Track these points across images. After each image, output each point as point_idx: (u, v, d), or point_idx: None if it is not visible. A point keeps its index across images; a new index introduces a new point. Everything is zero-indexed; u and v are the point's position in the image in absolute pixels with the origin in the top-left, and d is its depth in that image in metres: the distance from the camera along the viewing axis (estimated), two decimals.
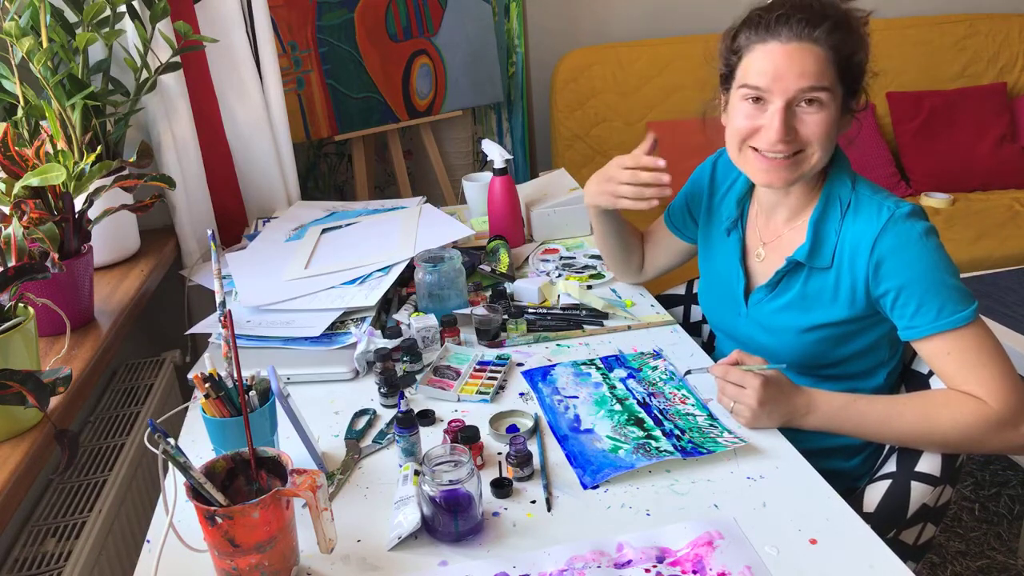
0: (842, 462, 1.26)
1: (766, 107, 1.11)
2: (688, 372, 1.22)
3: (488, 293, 1.53)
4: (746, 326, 1.27)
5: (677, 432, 1.09)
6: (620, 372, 1.25)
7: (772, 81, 1.09)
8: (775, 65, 1.09)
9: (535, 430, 1.11)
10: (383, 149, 2.73)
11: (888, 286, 1.10)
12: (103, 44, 1.59)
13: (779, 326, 1.22)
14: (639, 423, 1.12)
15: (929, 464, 1.11)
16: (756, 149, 1.13)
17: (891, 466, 1.13)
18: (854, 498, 1.11)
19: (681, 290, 1.61)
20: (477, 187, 1.89)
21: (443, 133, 2.70)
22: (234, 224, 1.93)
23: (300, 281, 1.48)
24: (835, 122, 1.11)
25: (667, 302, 1.57)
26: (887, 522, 1.10)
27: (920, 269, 1.08)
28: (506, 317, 1.39)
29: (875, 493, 1.11)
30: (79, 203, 1.34)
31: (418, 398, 1.23)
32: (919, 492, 1.10)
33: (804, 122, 1.10)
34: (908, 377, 1.26)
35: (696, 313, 1.60)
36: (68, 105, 1.44)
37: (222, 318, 0.98)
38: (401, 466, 1.06)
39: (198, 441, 1.13)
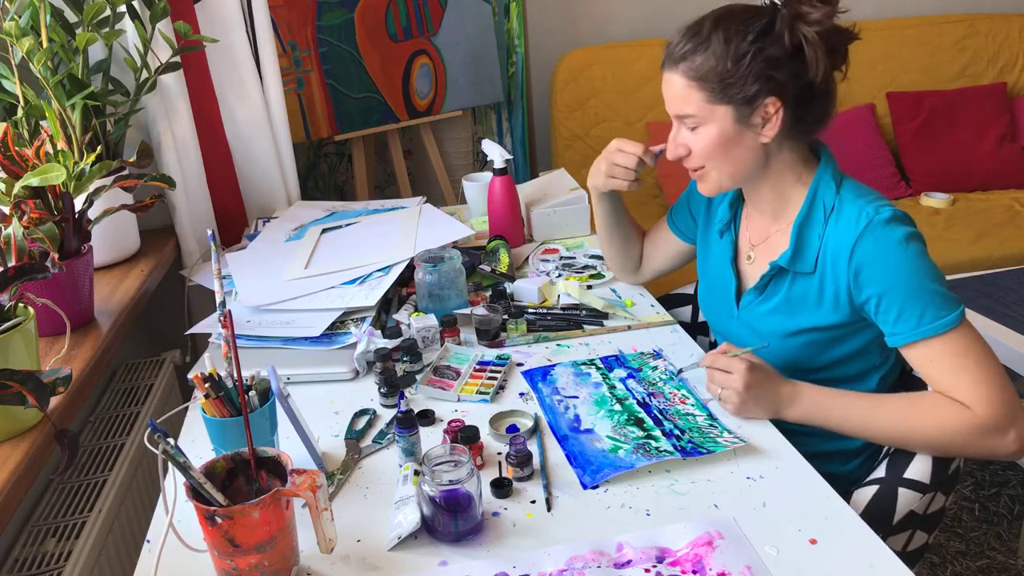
0: (839, 466, 1.25)
1: None
2: (680, 371, 1.23)
3: (488, 293, 1.53)
4: (738, 328, 1.28)
5: (677, 432, 1.09)
6: (620, 372, 1.25)
7: (665, 106, 1.18)
8: (663, 92, 1.18)
9: (535, 430, 1.11)
10: (383, 149, 2.74)
11: (869, 293, 1.10)
12: (103, 44, 1.59)
13: (767, 329, 1.22)
14: (639, 423, 1.12)
15: (918, 470, 1.10)
16: None
17: (880, 471, 1.12)
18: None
19: (690, 289, 1.61)
20: (477, 187, 1.89)
21: (443, 133, 2.70)
22: (234, 224, 1.93)
23: (300, 281, 1.48)
24: (720, 141, 1.13)
25: (676, 301, 1.57)
26: (872, 527, 1.09)
27: (900, 276, 1.07)
28: (506, 317, 1.39)
29: (862, 498, 1.10)
30: (79, 203, 1.34)
31: (418, 398, 1.23)
32: (906, 499, 1.09)
33: (689, 141, 1.17)
34: (908, 383, 1.26)
35: None
36: (68, 105, 1.44)
37: (222, 318, 0.98)
38: (401, 466, 1.06)
39: (198, 441, 1.13)
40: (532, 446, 1.08)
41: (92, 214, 1.38)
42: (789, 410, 1.12)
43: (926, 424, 1.07)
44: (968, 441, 1.05)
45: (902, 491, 1.09)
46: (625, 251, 1.51)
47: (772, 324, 1.21)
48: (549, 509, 0.97)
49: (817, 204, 1.16)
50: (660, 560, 0.88)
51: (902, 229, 1.09)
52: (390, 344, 1.31)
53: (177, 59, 1.66)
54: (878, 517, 1.09)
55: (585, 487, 1.00)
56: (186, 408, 1.20)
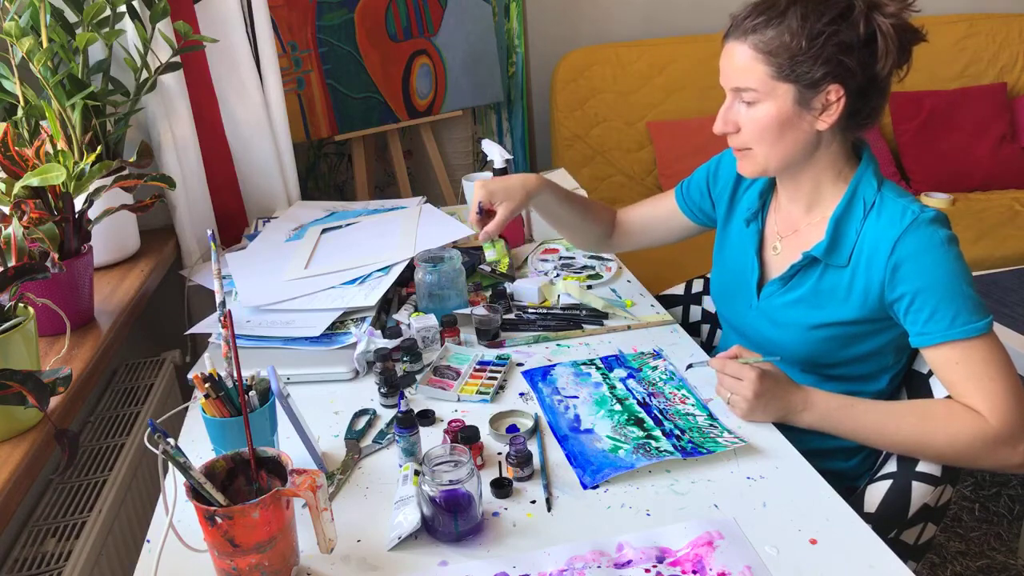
0: (841, 463, 1.25)
1: None
2: (689, 366, 1.23)
3: (488, 293, 1.53)
4: (755, 319, 1.27)
5: (677, 432, 1.09)
6: (620, 372, 1.25)
7: (720, 79, 1.15)
8: (721, 64, 1.15)
9: (535, 430, 1.11)
10: (383, 149, 2.73)
11: (904, 290, 1.09)
12: (103, 44, 1.59)
13: (788, 321, 1.21)
14: (639, 423, 1.12)
15: (929, 465, 1.11)
16: None
17: (892, 466, 1.13)
18: (855, 498, 1.11)
19: (680, 290, 1.61)
20: None
21: (443, 133, 2.70)
22: (234, 224, 1.93)
23: (300, 281, 1.48)
24: (776, 120, 1.10)
25: (666, 302, 1.57)
26: (889, 522, 1.10)
27: (938, 275, 1.07)
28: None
29: (876, 493, 1.11)
30: (79, 203, 1.34)
31: (418, 398, 1.23)
32: (920, 492, 1.09)
33: (742, 117, 1.14)
34: (909, 377, 1.26)
35: (695, 313, 1.60)
36: (68, 105, 1.44)
37: (222, 318, 0.98)
38: (401, 466, 1.06)
39: (198, 441, 1.13)
40: (532, 446, 1.08)
41: (92, 214, 1.38)
42: (800, 417, 1.12)
43: (939, 435, 1.07)
44: (980, 452, 1.06)
45: (916, 485, 1.10)
46: (580, 232, 1.45)
47: (794, 316, 1.21)
48: (549, 509, 0.97)
49: (857, 199, 1.15)
50: (660, 560, 0.88)
51: (944, 231, 1.09)
52: (390, 344, 1.31)
53: (177, 59, 1.66)
54: (894, 511, 1.09)
55: (585, 487, 1.00)
56: (186, 408, 1.20)
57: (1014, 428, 1.04)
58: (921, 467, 1.10)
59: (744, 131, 1.14)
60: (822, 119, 1.11)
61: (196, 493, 0.83)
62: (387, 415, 1.19)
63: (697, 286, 1.60)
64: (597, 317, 1.42)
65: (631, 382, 1.22)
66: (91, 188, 1.36)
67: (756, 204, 1.29)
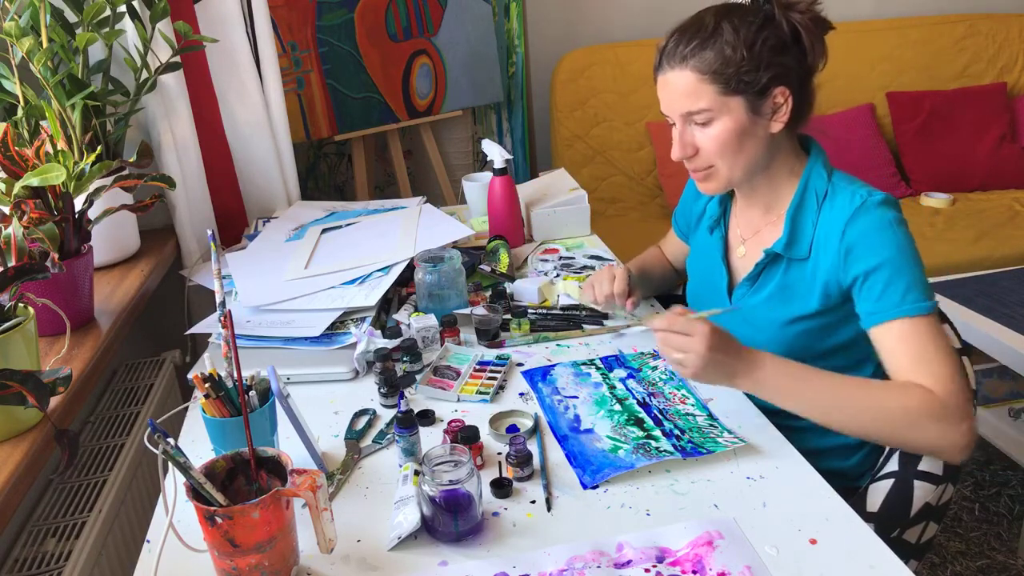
0: (840, 461, 1.26)
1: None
2: (621, 334, 1.25)
3: (488, 293, 1.53)
4: (729, 323, 1.27)
5: (677, 432, 1.09)
6: (620, 372, 1.25)
7: (665, 109, 1.17)
8: (663, 95, 1.17)
9: (535, 430, 1.11)
10: (383, 149, 2.73)
11: (856, 271, 1.09)
12: (103, 44, 1.59)
13: (762, 320, 1.22)
14: (639, 423, 1.12)
15: (931, 463, 1.11)
16: None
17: (893, 465, 1.13)
18: (857, 498, 1.11)
19: (679, 290, 1.61)
20: (477, 187, 1.90)
21: (443, 133, 2.70)
22: (234, 224, 1.93)
23: (300, 281, 1.48)
24: (735, 133, 1.12)
25: (666, 302, 1.57)
26: (891, 521, 1.10)
27: (888, 254, 1.08)
28: (508, 317, 1.39)
29: (878, 493, 1.11)
30: (79, 203, 1.34)
31: (418, 398, 1.23)
32: (922, 491, 1.10)
33: (699, 139, 1.15)
34: None
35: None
36: (68, 105, 1.44)
37: (222, 318, 0.98)
38: (401, 466, 1.06)
39: (198, 441, 1.13)
40: (532, 446, 1.08)
41: (92, 214, 1.38)
42: (751, 377, 1.06)
43: (892, 404, 1.03)
44: (926, 423, 1.01)
45: (917, 483, 1.10)
46: (663, 284, 1.57)
47: (767, 314, 1.21)
48: (549, 509, 0.97)
49: (809, 192, 1.17)
50: (660, 560, 0.88)
51: (893, 213, 1.10)
52: (390, 344, 1.31)
53: (177, 59, 1.66)
54: (896, 510, 1.10)
55: (585, 487, 1.00)
56: (186, 408, 1.20)
57: (957, 404, 1.02)
58: (923, 466, 1.11)
59: (704, 151, 1.16)
60: (774, 122, 1.13)
61: (196, 493, 0.83)
62: (387, 415, 1.19)
63: None
64: (597, 317, 1.42)
65: (631, 382, 1.22)
66: (91, 188, 1.36)
67: (717, 211, 1.31)
